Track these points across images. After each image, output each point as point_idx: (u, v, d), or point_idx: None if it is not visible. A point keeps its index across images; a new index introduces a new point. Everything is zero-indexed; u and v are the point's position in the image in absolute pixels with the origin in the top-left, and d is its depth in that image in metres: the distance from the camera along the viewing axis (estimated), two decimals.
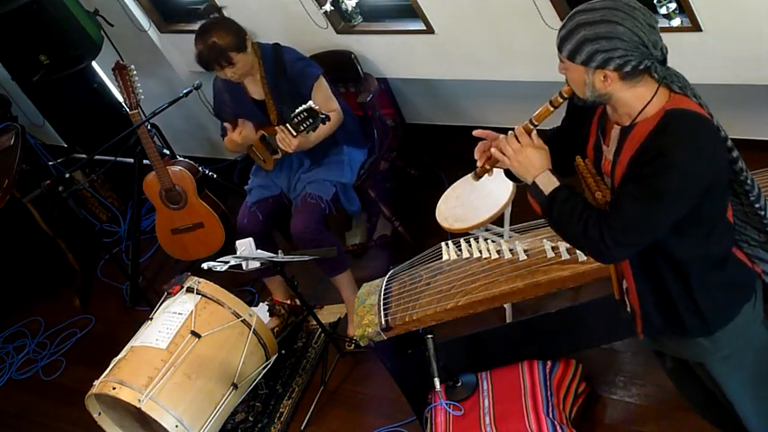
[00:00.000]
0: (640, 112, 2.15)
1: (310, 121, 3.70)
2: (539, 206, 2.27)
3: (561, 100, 2.25)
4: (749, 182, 2.28)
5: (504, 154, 2.30)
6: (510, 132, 2.31)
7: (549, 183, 2.25)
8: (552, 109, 2.27)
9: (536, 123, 2.29)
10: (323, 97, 3.93)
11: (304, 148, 3.93)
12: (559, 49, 2.14)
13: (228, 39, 3.78)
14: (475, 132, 2.40)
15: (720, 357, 2.36)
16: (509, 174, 2.37)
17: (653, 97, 2.14)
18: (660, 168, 2.07)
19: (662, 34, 2.14)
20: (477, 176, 2.43)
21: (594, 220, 2.16)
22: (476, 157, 2.40)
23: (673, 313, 2.31)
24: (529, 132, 2.29)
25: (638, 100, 2.15)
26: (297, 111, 3.71)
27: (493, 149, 2.33)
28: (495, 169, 2.41)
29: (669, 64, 2.18)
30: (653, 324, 2.37)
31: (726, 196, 2.26)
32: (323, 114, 3.72)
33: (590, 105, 2.23)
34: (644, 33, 2.07)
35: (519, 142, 2.28)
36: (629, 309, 2.43)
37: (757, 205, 2.31)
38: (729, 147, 2.21)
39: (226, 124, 4.09)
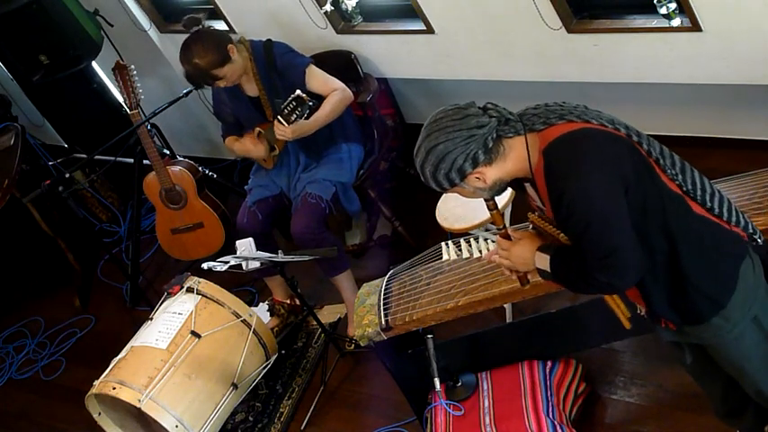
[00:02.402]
0: (531, 166, 2.24)
1: (300, 110, 3.74)
2: (555, 283, 2.37)
3: (492, 202, 2.39)
4: (660, 163, 2.27)
5: (510, 267, 2.46)
6: (492, 248, 2.48)
7: (544, 261, 2.34)
8: (496, 211, 2.41)
9: (501, 227, 2.44)
10: (319, 82, 3.94)
11: (308, 134, 3.92)
12: (436, 188, 2.28)
13: (209, 57, 3.77)
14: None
15: (737, 335, 2.35)
16: (541, 273, 2.44)
17: (528, 149, 2.23)
18: (568, 208, 2.16)
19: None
20: (523, 283, 2.58)
21: (587, 269, 2.21)
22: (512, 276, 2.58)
23: (684, 305, 2.32)
24: (506, 237, 2.43)
25: (520, 161, 2.25)
26: (285, 102, 3.76)
27: (505, 272, 2.50)
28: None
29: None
30: (672, 321, 2.37)
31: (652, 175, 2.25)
32: (310, 102, 3.75)
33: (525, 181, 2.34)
34: (461, 130, 2.20)
35: (505, 250, 2.43)
36: (643, 313, 2.44)
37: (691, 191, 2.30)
38: (626, 134, 2.24)
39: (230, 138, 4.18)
